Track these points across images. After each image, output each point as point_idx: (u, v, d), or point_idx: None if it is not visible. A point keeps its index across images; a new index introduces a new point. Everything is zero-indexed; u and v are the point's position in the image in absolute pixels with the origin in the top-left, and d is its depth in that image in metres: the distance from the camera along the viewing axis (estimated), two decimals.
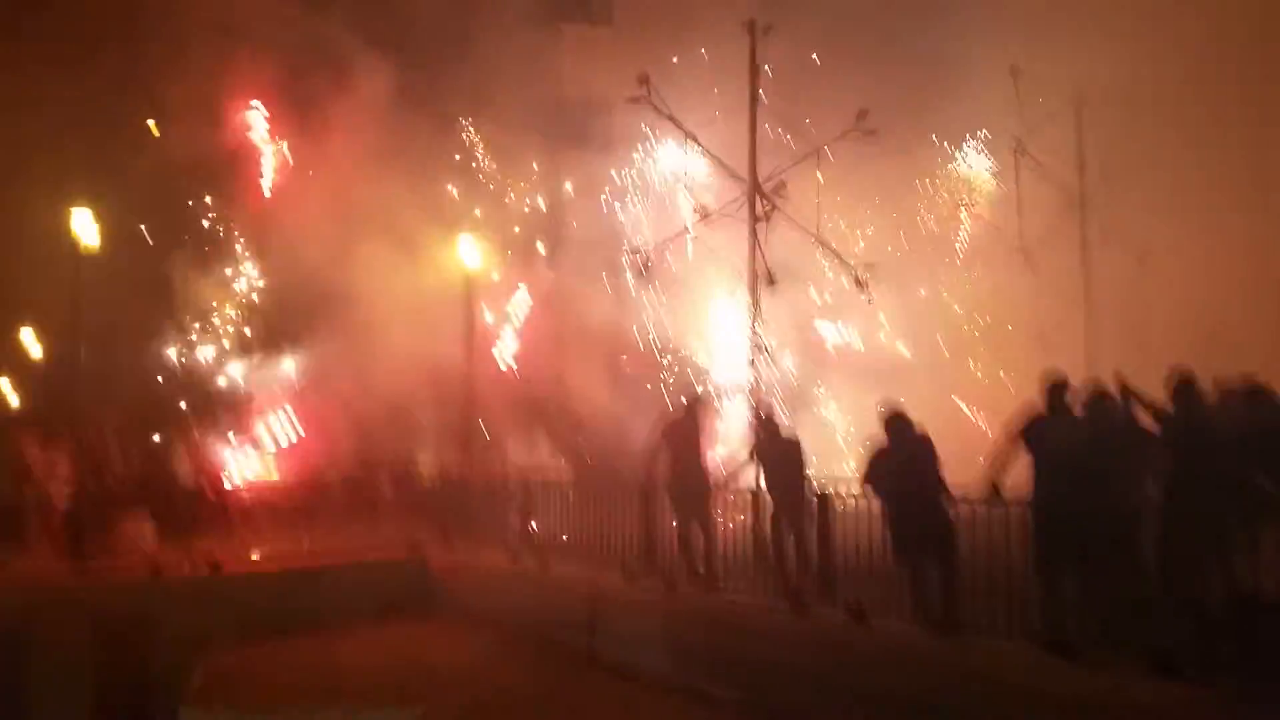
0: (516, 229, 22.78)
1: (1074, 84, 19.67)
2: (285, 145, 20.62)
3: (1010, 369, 19.51)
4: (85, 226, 13.17)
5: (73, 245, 13.17)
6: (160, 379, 18.84)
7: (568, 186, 23.23)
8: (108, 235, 14.49)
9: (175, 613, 11.61)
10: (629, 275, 19.20)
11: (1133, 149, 19.02)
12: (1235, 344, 13.73)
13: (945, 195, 22.57)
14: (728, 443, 17.49)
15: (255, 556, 13.70)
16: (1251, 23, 16.64)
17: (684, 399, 12.02)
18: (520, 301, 22.39)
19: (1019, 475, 8.02)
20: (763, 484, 10.89)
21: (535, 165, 23.14)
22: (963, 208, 22.35)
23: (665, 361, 22.03)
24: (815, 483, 10.66)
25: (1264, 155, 16.90)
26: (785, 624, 9.29)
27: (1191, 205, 17.76)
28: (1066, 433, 7.77)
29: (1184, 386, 7.61)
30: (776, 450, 10.74)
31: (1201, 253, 17.05)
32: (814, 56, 18.89)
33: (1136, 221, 19.02)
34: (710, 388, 20.83)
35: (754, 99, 15.13)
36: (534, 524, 13.40)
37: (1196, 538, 7.18)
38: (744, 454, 11.35)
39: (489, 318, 22.10)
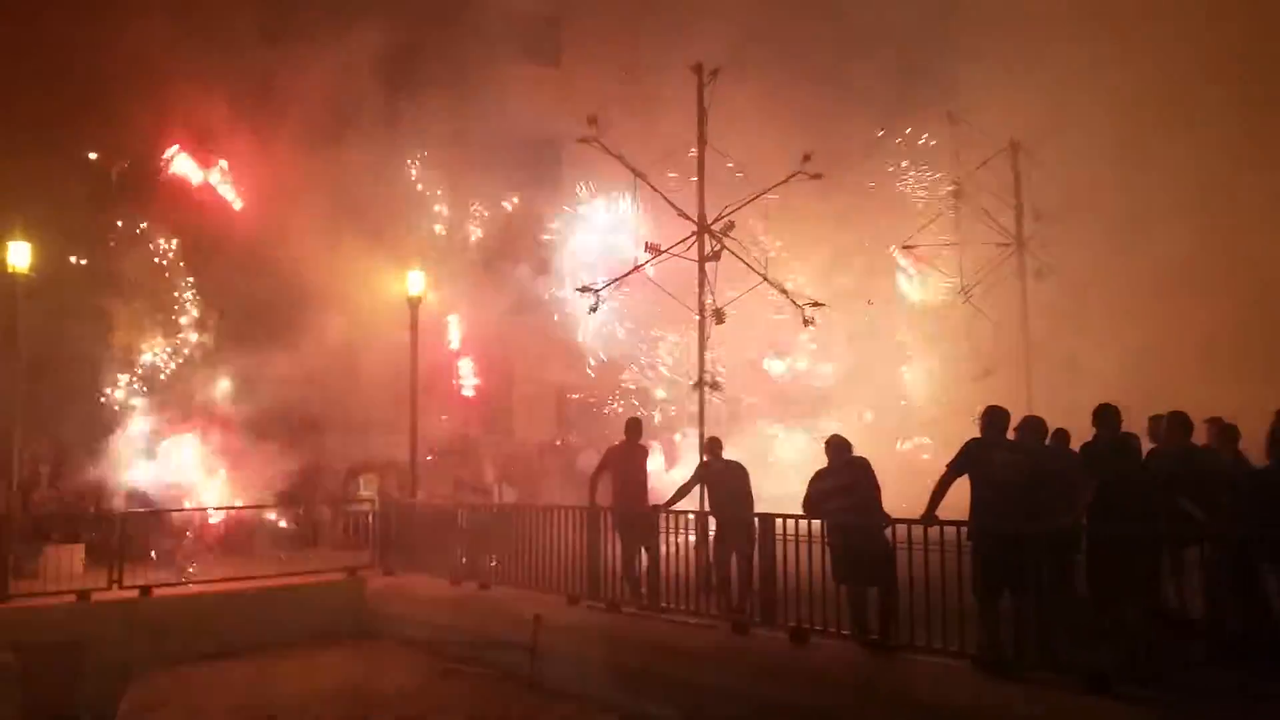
0: (470, 259, 22.83)
1: (1009, 129, 20.34)
2: (225, 171, 20.47)
3: (952, 401, 19.89)
4: (21, 258, 12.99)
5: (10, 277, 12.98)
6: (97, 407, 18.40)
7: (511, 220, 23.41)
8: (45, 265, 14.34)
9: (104, 638, 11.32)
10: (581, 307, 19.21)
11: (1067, 190, 19.68)
12: (1168, 377, 14.20)
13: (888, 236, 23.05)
14: (674, 467, 17.60)
15: (188, 580, 13.36)
16: (1182, 67, 17.37)
17: (627, 424, 12.06)
18: (468, 333, 22.39)
19: (959, 500, 8.21)
20: (707, 506, 10.95)
21: (480, 206, 23.29)
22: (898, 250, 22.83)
23: (615, 393, 22.19)
24: (758, 506, 10.78)
25: (1195, 195, 17.59)
26: (727, 645, 9.32)
27: (1125, 244, 18.38)
28: (1004, 460, 7.98)
29: (1104, 413, 7.87)
30: (722, 474, 10.84)
31: (1135, 289, 17.65)
32: (759, 99, 19.28)
33: (1072, 260, 19.63)
34: (656, 415, 21.00)
35: (702, 140, 15.42)
36: (479, 549, 13.26)
37: (1121, 559, 7.38)
38: (689, 477, 11.43)
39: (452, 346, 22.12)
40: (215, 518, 15.48)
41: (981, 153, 20.37)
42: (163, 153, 19.83)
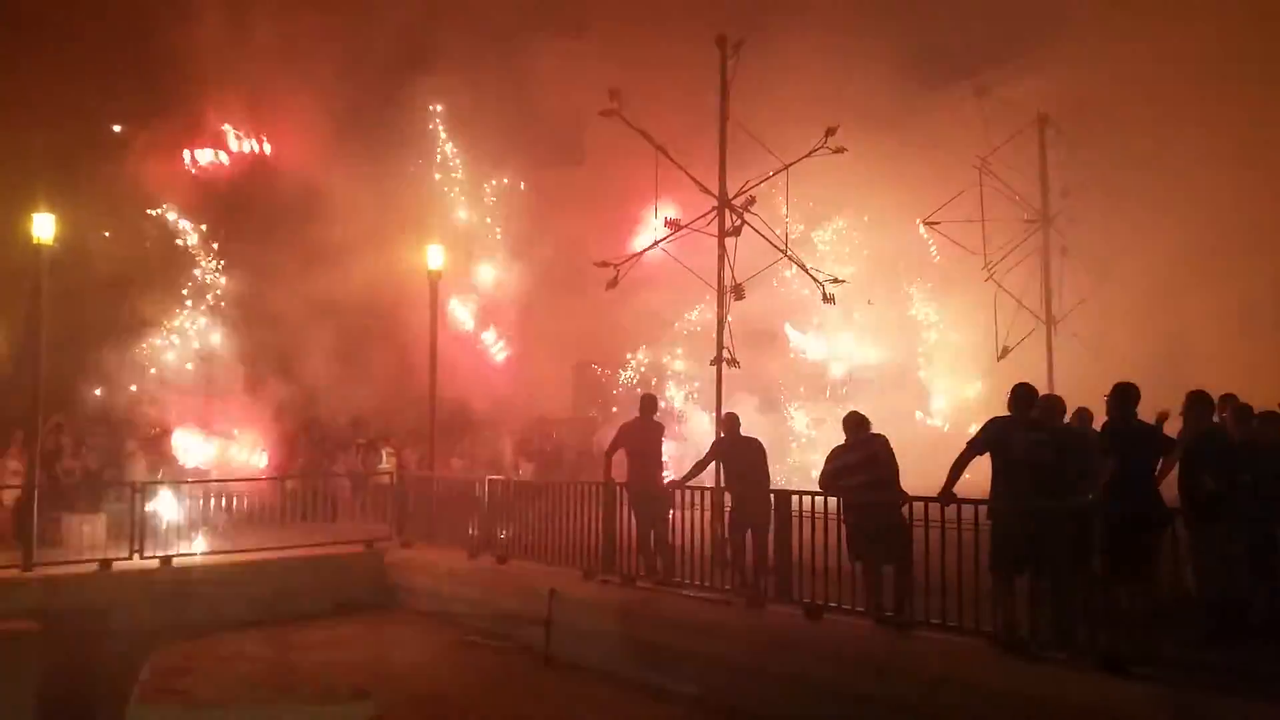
0: (498, 233, 22.84)
1: (1037, 104, 19.99)
2: (255, 145, 20.56)
3: (974, 379, 19.74)
4: (46, 230, 13.04)
5: (36, 249, 13.04)
6: (119, 379, 18.56)
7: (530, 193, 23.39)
8: (72, 238, 14.37)
9: (125, 606, 11.52)
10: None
11: (1094, 167, 19.37)
12: (1192, 356, 14.02)
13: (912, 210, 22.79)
14: (690, 442, 17.54)
15: (208, 550, 13.50)
16: (1211, 46, 17.03)
17: (642, 400, 12.02)
18: (491, 307, 22.46)
19: (979, 478, 8.13)
20: (723, 482, 10.91)
21: (505, 178, 23.26)
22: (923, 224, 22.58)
23: (631, 365, 22.18)
24: (774, 481, 10.75)
25: (1221, 173, 17.27)
26: (742, 620, 9.31)
27: (1150, 223, 18.10)
28: (1028, 439, 7.88)
29: (1118, 392, 7.75)
30: (738, 449, 10.79)
31: (1160, 268, 17.39)
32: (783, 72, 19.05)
33: (1097, 238, 19.34)
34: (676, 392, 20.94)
35: (724, 114, 15.23)
36: (494, 523, 13.30)
37: (1138, 538, 7.29)
38: (706, 452, 11.40)
39: (467, 322, 22.18)
40: (235, 488, 15.56)
41: (1008, 128, 20.06)
42: (188, 124, 19.85)
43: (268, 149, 20.98)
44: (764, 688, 8.57)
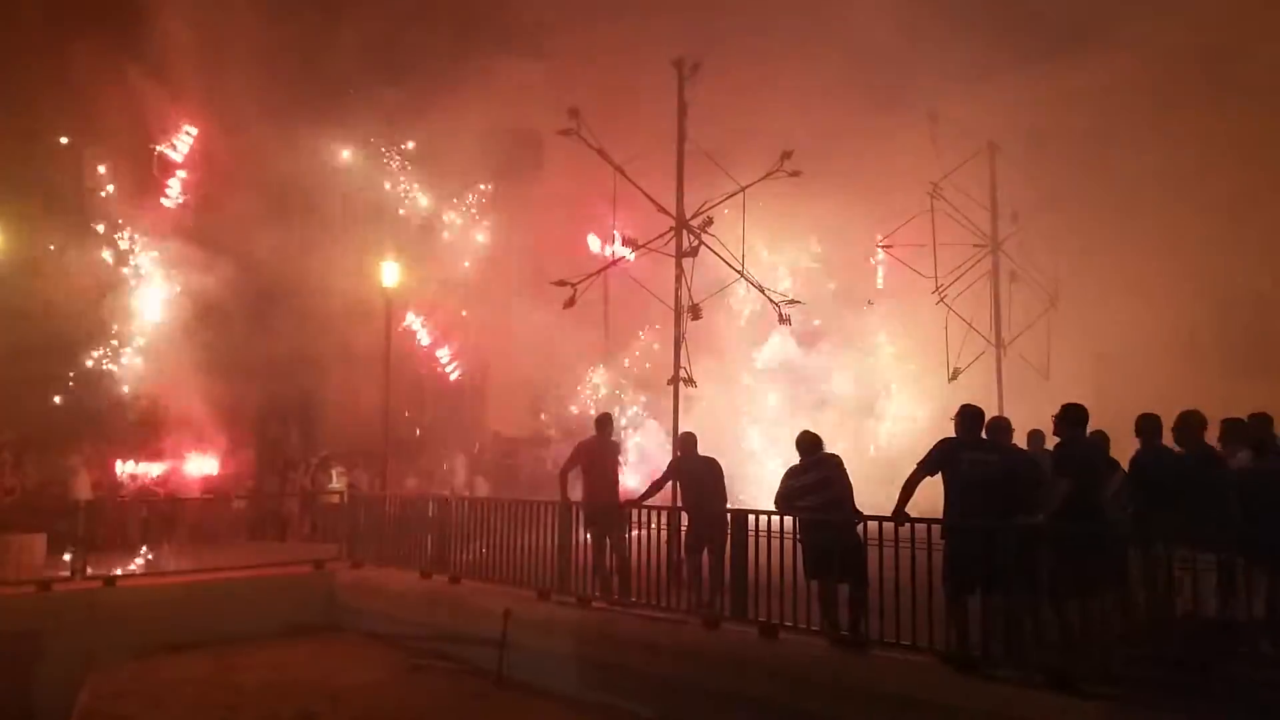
0: (446, 258, 22.74)
1: (988, 129, 20.40)
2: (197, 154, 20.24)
3: (924, 401, 19.96)
4: None
5: None
6: (61, 396, 18.13)
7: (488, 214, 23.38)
8: (12, 252, 14.02)
9: (65, 629, 11.20)
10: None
11: (1043, 192, 19.78)
12: (1136, 378, 14.30)
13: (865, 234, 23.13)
14: (646, 461, 17.54)
15: (152, 570, 13.19)
16: (1159, 72, 17.49)
17: (598, 420, 12.01)
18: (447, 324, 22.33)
19: (933, 497, 8.20)
20: (679, 501, 10.91)
21: (462, 195, 23.22)
22: (879, 248, 22.92)
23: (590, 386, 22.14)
24: (730, 500, 10.76)
25: (1170, 198, 17.72)
26: (697, 640, 9.27)
27: (1098, 246, 18.50)
28: (975, 459, 7.98)
29: (1066, 413, 7.87)
30: (695, 468, 10.80)
31: (1107, 292, 17.76)
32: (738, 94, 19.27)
33: (1045, 262, 19.74)
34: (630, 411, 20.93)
35: (681, 135, 15.38)
36: (448, 543, 13.15)
37: (1086, 556, 7.39)
38: (662, 472, 11.39)
39: (424, 338, 22.02)
40: (182, 507, 15.27)
41: (961, 153, 20.42)
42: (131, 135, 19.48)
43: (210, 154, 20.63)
44: (720, 708, 8.55)
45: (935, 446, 8.27)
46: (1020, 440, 9.50)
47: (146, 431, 17.58)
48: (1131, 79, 17.88)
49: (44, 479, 15.83)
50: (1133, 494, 7.98)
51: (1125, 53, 17.87)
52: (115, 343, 18.58)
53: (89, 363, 18.33)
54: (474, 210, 23.46)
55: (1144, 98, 17.87)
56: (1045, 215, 19.83)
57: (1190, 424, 7.80)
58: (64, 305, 17.60)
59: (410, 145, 22.38)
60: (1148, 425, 8.18)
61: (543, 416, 23.38)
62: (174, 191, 19.72)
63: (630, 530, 10.74)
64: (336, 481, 17.53)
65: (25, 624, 11.18)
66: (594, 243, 22.32)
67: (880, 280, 24.16)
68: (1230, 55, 17.46)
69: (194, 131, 19.81)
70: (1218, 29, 17.68)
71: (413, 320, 21.77)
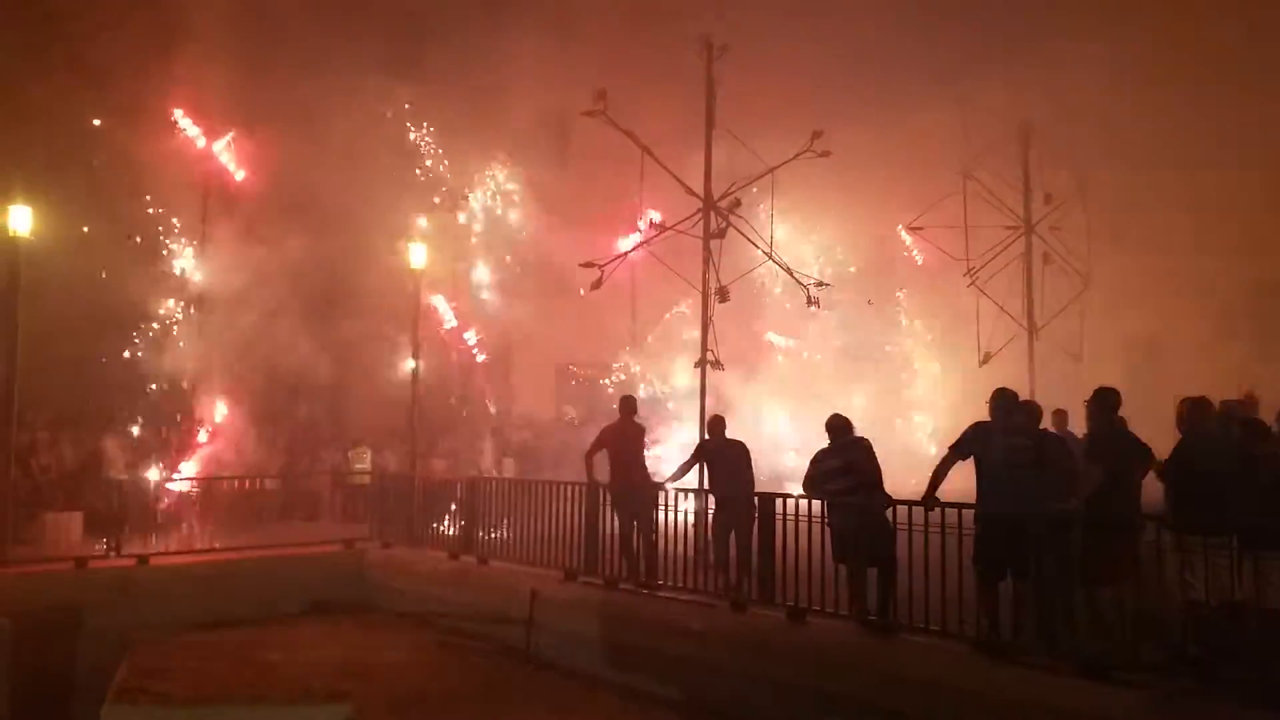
0: (474, 239, 22.76)
1: (1021, 113, 20.14)
2: (232, 141, 20.34)
3: (958, 383, 19.81)
4: (23, 223, 12.86)
5: (11, 242, 12.86)
6: (97, 376, 18.34)
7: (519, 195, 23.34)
8: (49, 234, 14.12)
9: (100, 606, 11.36)
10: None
11: (1076, 176, 19.52)
12: (1169, 362, 14.13)
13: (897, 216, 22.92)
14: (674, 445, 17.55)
15: (185, 549, 13.36)
16: (1194, 56, 17.18)
17: (622, 402, 12.00)
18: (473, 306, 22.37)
19: (963, 482, 8.13)
20: (706, 484, 10.89)
21: (488, 174, 23.18)
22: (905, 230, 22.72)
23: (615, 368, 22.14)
24: (758, 484, 10.72)
25: (1203, 182, 17.44)
26: (724, 622, 9.27)
27: (1131, 230, 18.26)
28: (1007, 444, 7.89)
29: (1099, 397, 7.76)
30: (722, 451, 10.77)
31: (1140, 275, 17.52)
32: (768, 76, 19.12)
33: (1078, 245, 19.49)
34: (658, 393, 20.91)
35: (709, 117, 15.28)
36: (475, 523, 13.22)
37: (1117, 544, 7.30)
38: (690, 455, 11.37)
39: (451, 321, 22.09)
40: (215, 488, 15.43)
41: (992, 136, 20.19)
42: (167, 117, 19.61)
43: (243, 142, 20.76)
44: (747, 691, 8.53)
45: (966, 430, 8.20)
46: (1046, 422, 9.41)
47: (181, 410, 17.75)
48: (1170, 61, 17.54)
49: (80, 458, 16.02)
50: (1173, 480, 7.84)
51: (1165, 33, 17.54)
52: (155, 325, 18.77)
53: (124, 344, 18.50)
54: (499, 194, 23.43)
55: (1183, 80, 17.54)
56: (1079, 199, 19.57)
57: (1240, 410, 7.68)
58: (101, 285, 17.79)
59: (430, 128, 22.29)
60: (1193, 411, 8.05)
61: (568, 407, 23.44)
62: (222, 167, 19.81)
63: (657, 513, 10.74)
64: (364, 462, 17.65)
65: (61, 600, 11.37)
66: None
67: (918, 257, 23.85)
68: (1275, 36, 17.10)
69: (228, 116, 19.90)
70: (1260, 8, 17.32)
71: (439, 301, 21.81)
